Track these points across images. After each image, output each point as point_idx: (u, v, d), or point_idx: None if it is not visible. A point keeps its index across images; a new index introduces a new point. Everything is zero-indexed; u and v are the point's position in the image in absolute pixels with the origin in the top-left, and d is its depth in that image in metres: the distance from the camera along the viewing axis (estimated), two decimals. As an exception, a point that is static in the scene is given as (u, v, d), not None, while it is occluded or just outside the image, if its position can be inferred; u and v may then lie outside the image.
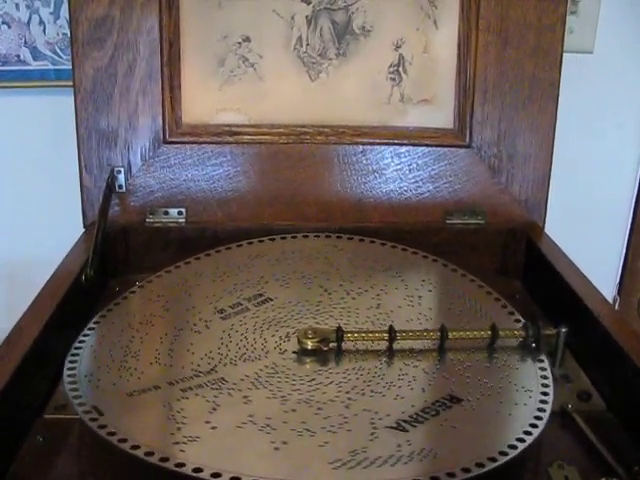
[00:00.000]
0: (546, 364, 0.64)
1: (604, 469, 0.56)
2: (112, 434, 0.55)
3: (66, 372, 0.62)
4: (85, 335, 0.68)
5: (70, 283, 0.74)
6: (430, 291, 0.78)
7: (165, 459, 0.52)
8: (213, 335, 0.70)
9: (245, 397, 0.60)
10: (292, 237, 0.88)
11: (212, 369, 0.65)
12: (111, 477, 0.57)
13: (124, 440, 0.54)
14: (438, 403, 0.59)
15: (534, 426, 0.56)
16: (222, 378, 0.63)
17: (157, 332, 0.71)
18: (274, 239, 0.87)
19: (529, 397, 0.60)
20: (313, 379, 0.63)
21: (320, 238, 0.88)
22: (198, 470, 0.51)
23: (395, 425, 0.56)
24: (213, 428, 0.57)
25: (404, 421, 0.57)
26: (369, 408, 0.59)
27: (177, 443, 0.55)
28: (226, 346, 0.68)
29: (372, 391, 0.61)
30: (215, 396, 0.61)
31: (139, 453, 0.53)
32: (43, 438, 0.59)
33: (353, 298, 0.76)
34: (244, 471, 0.51)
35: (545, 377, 0.62)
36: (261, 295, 0.77)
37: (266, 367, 0.65)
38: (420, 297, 0.76)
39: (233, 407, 0.59)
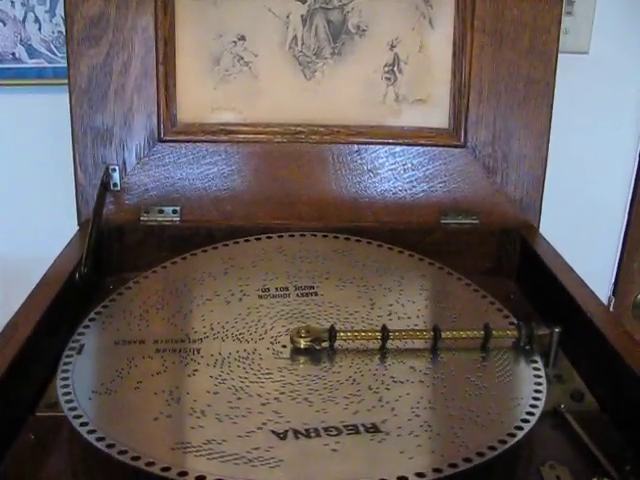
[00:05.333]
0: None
1: (596, 469, 0.56)
2: (65, 386, 0.58)
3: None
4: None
5: (64, 281, 0.74)
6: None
7: (66, 405, 0.56)
8: (236, 309, 0.70)
9: (194, 370, 0.61)
10: (385, 246, 0.86)
11: (200, 338, 0.65)
12: (103, 475, 0.57)
13: (65, 378, 0.58)
14: (351, 427, 0.54)
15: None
16: (198, 349, 0.63)
17: (197, 293, 0.72)
18: (361, 240, 0.87)
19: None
20: (270, 373, 0.61)
21: (405, 254, 0.85)
22: (84, 425, 0.54)
23: (280, 431, 0.54)
24: (136, 388, 0.58)
25: (295, 430, 0.54)
26: (280, 411, 0.56)
27: (95, 392, 0.57)
28: (236, 322, 0.68)
29: (306, 399, 0.58)
30: (173, 362, 0.61)
31: (59, 391, 0.57)
32: (35, 435, 0.59)
33: (391, 319, 0.71)
34: (110, 433, 0.52)
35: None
36: (311, 287, 0.76)
37: (244, 351, 0.64)
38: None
39: (172, 376, 0.60)
